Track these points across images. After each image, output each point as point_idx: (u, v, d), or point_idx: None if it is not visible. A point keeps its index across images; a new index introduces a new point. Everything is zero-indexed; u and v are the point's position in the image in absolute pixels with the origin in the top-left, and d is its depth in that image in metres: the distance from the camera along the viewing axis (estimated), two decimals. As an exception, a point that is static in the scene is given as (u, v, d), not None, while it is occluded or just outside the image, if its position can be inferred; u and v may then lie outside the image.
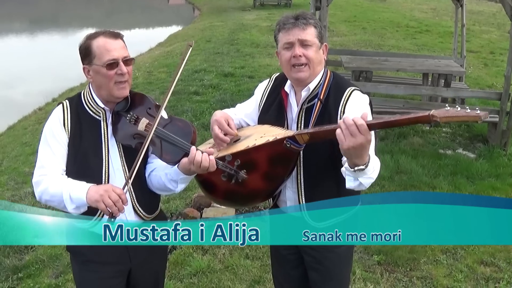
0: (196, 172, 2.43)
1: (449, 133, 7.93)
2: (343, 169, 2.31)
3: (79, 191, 2.36)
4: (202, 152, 2.35)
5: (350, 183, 2.32)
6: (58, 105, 2.62)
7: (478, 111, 1.93)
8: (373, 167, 2.27)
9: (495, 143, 7.21)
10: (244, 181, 2.41)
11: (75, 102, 2.61)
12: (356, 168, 2.20)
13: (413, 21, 20.85)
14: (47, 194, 2.45)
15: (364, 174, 2.24)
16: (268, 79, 2.87)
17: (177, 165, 2.45)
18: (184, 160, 2.38)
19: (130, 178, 2.42)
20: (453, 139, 7.72)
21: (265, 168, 2.46)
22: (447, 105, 2.00)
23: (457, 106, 1.97)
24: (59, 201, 2.41)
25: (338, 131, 2.13)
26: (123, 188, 2.40)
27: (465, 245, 4.89)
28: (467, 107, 1.95)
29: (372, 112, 2.61)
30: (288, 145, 2.41)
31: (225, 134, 2.62)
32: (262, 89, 2.85)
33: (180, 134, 2.44)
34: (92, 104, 2.58)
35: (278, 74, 2.84)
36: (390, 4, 27.81)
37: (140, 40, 18.95)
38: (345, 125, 2.11)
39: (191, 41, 2.60)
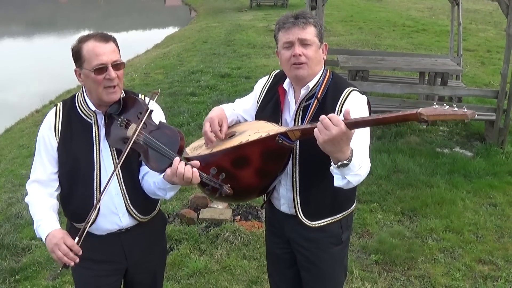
0: (180, 184, 2.39)
1: (446, 132, 7.93)
2: (331, 168, 2.28)
3: (43, 231, 2.47)
4: (186, 164, 2.32)
5: (338, 182, 2.29)
6: (53, 107, 2.63)
7: (465, 110, 1.91)
8: (359, 164, 2.23)
9: (492, 141, 7.21)
10: (238, 180, 2.41)
11: (68, 104, 2.60)
12: (339, 164, 2.17)
13: (410, 21, 20.87)
14: (29, 207, 2.62)
15: (350, 171, 2.21)
16: (268, 76, 2.87)
17: (163, 174, 2.42)
18: (168, 171, 2.35)
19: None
20: (450, 137, 7.72)
21: (258, 164, 2.45)
22: (435, 103, 1.99)
23: (444, 104, 1.95)
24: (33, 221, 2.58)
25: (316, 129, 2.14)
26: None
27: (463, 243, 4.90)
28: (455, 106, 1.94)
29: (370, 112, 2.60)
30: (280, 141, 2.41)
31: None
32: (261, 85, 2.86)
33: (167, 142, 2.41)
34: (84, 107, 2.57)
35: (278, 71, 2.83)
36: (386, 4, 27.82)
37: (137, 42, 18.98)
38: (319, 120, 2.12)
39: (157, 89, 2.61)
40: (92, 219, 2.46)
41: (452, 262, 4.62)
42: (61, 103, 2.63)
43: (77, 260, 2.36)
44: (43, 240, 2.45)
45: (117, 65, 2.46)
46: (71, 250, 2.36)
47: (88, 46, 2.43)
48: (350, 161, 2.16)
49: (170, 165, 2.34)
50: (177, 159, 2.33)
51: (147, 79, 12.05)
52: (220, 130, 2.63)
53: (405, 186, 6.05)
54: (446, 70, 8.13)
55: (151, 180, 2.54)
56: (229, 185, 2.36)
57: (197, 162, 2.35)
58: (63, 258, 2.34)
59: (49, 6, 38.79)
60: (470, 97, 8.94)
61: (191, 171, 2.29)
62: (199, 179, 2.32)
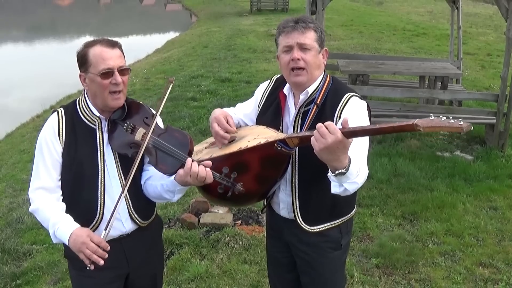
0: (192, 184, 2.41)
1: (447, 136, 7.93)
2: (329, 174, 2.26)
3: (63, 233, 2.42)
4: (199, 164, 2.35)
5: (335, 189, 2.28)
6: (52, 113, 2.61)
7: (461, 122, 1.91)
8: (357, 171, 2.22)
9: (493, 144, 7.21)
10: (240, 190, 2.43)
11: (70, 110, 2.60)
12: (336, 172, 2.16)
13: (410, 24, 20.90)
14: (37, 215, 2.55)
15: (347, 179, 2.20)
16: (269, 80, 2.88)
17: (173, 176, 2.44)
18: (181, 171, 2.38)
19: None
20: (450, 141, 7.72)
21: (257, 169, 2.47)
22: (431, 114, 1.99)
23: (441, 116, 1.96)
24: (46, 227, 2.52)
25: (312, 137, 2.13)
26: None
27: (464, 247, 4.90)
28: (451, 118, 1.94)
29: (370, 117, 2.60)
30: (279, 148, 2.43)
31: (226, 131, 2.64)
32: (262, 89, 2.86)
33: (177, 145, 2.44)
34: (87, 112, 2.57)
35: (279, 75, 2.83)
36: (386, 8, 27.88)
37: (137, 47, 18.99)
38: (316, 128, 2.11)
39: (172, 77, 2.61)
40: (109, 228, 2.43)
41: (453, 266, 4.62)
42: (62, 109, 2.61)
43: (106, 256, 2.35)
44: (66, 242, 2.40)
45: (122, 71, 2.49)
46: (99, 247, 2.34)
47: (95, 50, 2.45)
48: (347, 169, 2.15)
49: (181, 166, 2.38)
50: (189, 159, 2.37)
51: (147, 84, 12.07)
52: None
53: (405, 190, 6.05)
54: (446, 74, 8.15)
55: (158, 183, 2.56)
56: (241, 183, 2.40)
57: (209, 162, 2.39)
58: (92, 256, 2.32)
59: (49, 11, 38.91)
60: (470, 101, 8.95)
61: (205, 170, 2.35)
62: (213, 178, 2.37)
